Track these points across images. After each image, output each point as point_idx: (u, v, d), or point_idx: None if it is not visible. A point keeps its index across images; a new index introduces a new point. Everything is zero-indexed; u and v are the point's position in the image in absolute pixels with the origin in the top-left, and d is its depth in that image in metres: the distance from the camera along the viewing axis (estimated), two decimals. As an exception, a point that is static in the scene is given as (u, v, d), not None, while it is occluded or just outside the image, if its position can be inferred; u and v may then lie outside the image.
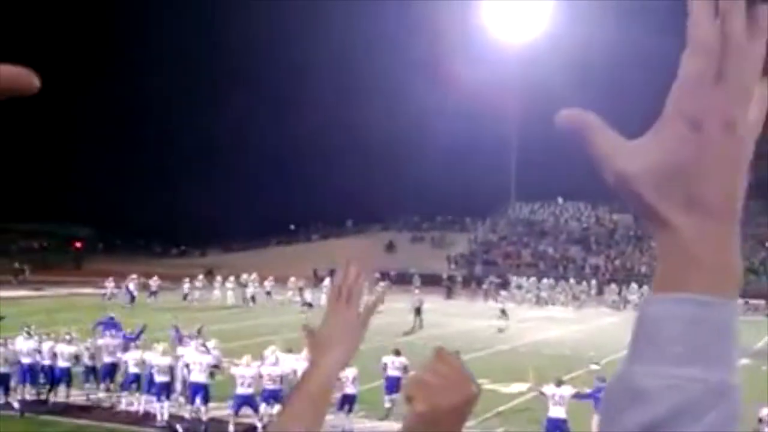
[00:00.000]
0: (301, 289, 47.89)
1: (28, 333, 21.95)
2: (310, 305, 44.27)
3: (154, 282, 47.26)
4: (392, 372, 21.10)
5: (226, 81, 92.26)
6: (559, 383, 18.12)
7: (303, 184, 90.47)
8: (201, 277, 50.15)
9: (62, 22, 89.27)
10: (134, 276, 46.09)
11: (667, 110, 0.79)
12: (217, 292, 48.36)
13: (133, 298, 44.15)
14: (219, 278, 49.94)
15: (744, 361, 20.82)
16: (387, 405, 20.34)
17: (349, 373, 18.90)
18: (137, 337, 23.10)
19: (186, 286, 47.50)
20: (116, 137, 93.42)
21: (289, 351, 20.49)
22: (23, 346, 21.13)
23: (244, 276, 49.03)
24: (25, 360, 20.89)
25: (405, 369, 20.86)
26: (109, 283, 46.78)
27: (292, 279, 48.80)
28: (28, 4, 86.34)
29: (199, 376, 19.06)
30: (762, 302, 49.53)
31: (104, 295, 45.84)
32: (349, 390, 19.05)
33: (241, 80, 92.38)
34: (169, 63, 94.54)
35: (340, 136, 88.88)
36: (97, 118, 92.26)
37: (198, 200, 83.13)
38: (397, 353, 21.85)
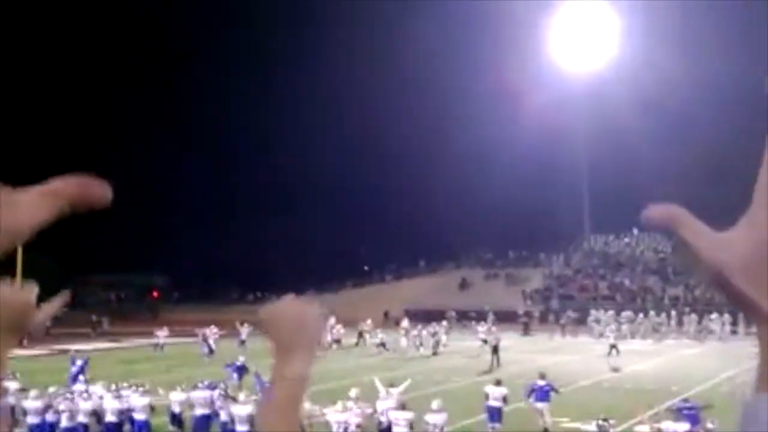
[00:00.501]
0: (363, 333, 47.46)
1: (117, 394, 22.17)
2: (383, 345, 44.24)
3: (210, 332, 45.41)
4: (493, 402, 22.06)
5: (296, 126, 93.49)
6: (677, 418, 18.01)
7: (375, 224, 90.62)
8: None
9: (125, 86, 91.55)
10: (215, 329, 45.34)
11: (756, 197, 0.76)
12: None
13: (211, 350, 43.18)
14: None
15: None
16: None
17: (438, 419, 19.06)
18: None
19: (245, 331, 46.39)
20: (190, 185, 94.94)
21: (391, 386, 21.01)
22: (109, 405, 21.45)
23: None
24: (110, 418, 21.22)
25: (504, 399, 21.99)
26: (162, 332, 46.34)
27: (368, 321, 48.53)
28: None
29: None
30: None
31: (156, 345, 45.34)
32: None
33: (311, 124, 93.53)
34: (245, 113, 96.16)
35: (410, 176, 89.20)
36: (173, 167, 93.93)
37: (273, 245, 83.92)
38: (498, 383, 22.80)
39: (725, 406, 20.59)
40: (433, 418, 19.14)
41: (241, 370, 28.80)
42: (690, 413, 18.22)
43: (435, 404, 19.49)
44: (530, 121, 76.99)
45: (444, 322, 49.38)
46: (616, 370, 36.73)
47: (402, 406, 19.43)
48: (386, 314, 63.65)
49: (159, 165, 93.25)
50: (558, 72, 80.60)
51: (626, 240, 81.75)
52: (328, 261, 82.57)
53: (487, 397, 22.39)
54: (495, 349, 38.98)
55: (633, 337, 52.91)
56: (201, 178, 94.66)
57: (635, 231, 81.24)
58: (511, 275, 77.02)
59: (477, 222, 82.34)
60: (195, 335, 46.29)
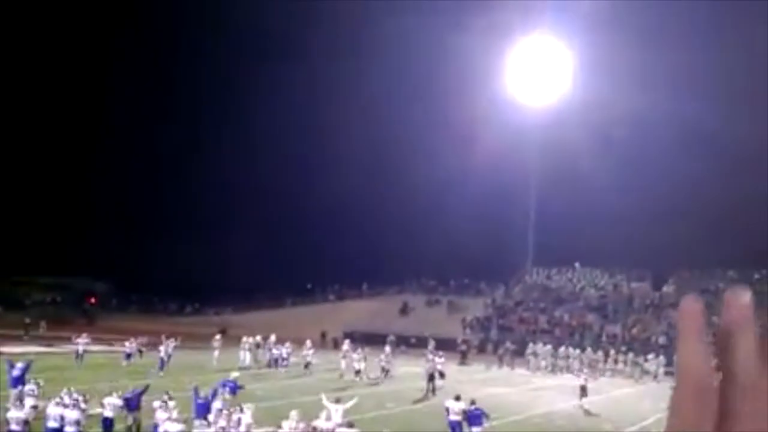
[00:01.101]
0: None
1: (59, 400, 21.53)
2: (307, 366, 43.38)
3: (130, 344, 44.27)
4: (453, 417, 24.16)
5: (246, 142, 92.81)
6: None
7: (320, 245, 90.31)
8: (218, 336, 48.71)
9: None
10: (133, 340, 44.26)
11: None
12: (242, 353, 46.25)
13: (163, 363, 41.21)
14: (245, 339, 47.93)
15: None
16: None
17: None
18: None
19: (170, 345, 44.10)
20: (134, 193, 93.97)
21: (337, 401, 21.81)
22: (51, 411, 20.88)
23: (258, 337, 48.09)
24: (52, 424, 20.64)
25: (464, 413, 24.00)
26: (82, 340, 44.09)
27: (308, 342, 47.82)
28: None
29: None
30: None
31: (77, 355, 43.13)
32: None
33: (261, 141, 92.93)
34: (188, 121, 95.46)
35: (358, 198, 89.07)
36: (115, 174, 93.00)
37: (214, 259, 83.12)
38: (458, 398, 24.86)
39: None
40: None
41: (235, 388, 27.43)
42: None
43: None
44: (478, 152, 77.41)
45: (387, 348, 48.46)
46: (589, 413, 34.90)
47: (350, 425, 19.43)
48: (323, 335, 63.15)
49: (105, 173, 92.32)
50: (508, 106, 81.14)
51: (568, 275, 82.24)
52: (270, 278, 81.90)
53: (448, 411, 24.15)
54: (431, 378, 38.61)
55: (568, 372, 52.95)
56: (146, 189, 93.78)
57: (577, 266, 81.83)
58: (453, 303, 77.06)
59: (422, 248, 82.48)
60: (124, 345, 44.74)
